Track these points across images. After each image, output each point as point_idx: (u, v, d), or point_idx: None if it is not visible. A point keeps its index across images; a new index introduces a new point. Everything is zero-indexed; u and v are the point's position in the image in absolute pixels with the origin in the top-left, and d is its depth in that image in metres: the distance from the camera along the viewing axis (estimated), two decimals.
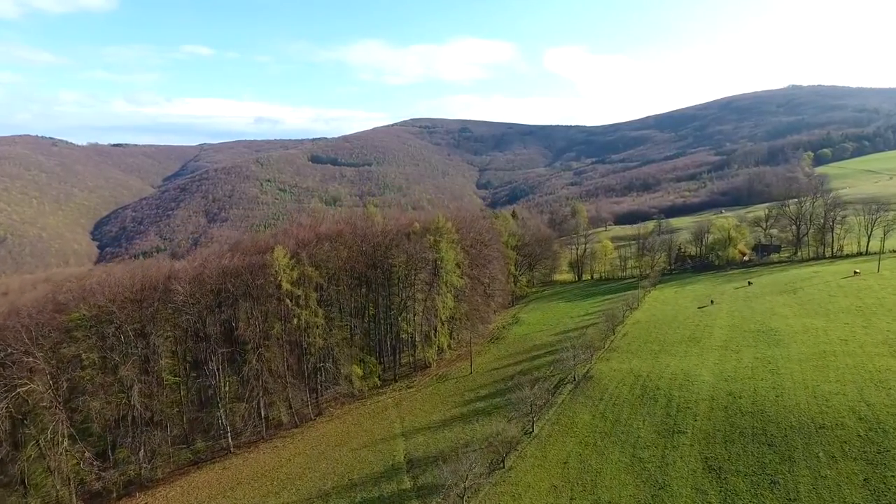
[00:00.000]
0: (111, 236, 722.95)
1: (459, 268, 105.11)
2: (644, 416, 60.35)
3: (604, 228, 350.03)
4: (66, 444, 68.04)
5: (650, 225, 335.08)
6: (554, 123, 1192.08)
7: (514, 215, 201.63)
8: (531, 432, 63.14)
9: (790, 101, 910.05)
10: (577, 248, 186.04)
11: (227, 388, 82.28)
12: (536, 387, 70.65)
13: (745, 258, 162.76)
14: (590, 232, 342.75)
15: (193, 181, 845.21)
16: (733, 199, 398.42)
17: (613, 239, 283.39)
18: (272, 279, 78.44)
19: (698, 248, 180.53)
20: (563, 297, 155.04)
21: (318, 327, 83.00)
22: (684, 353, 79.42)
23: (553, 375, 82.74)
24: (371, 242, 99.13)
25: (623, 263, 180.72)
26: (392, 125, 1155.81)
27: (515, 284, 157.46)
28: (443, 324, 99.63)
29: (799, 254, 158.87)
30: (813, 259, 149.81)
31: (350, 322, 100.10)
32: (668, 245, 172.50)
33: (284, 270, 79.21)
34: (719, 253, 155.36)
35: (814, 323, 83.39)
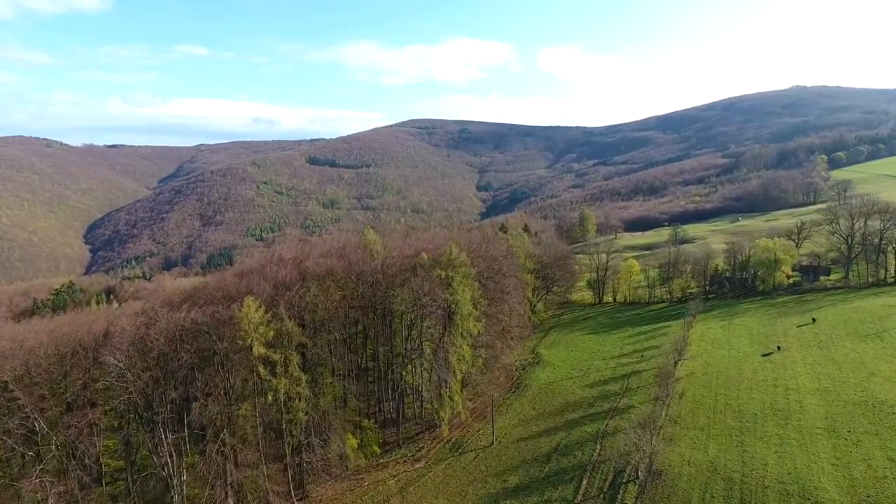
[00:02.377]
0: (104, 240, 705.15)
1: (476, 308, 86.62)
2: None
3: (614, 236, 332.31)
4: None
5: (664, 233, 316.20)
6: (554, 124, 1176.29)
7: (526, 229, 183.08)
8: None
9: (795, 101, 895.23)
10: (598, 269, 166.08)
11: (185, 477, 63.58)
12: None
13: (789, 280, 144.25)
14: (602, 240, 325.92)
15: (189, 183, 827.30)
16: (748, 205, 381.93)
17: (626, 248, 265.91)
18: (240, 341, 59.98)
19: (732, 266, 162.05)
20: (586, 327, 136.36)
21: (301, 399, 64.44)
22: (778, 438, 60.98)
23: (604, 462, 64.26)
24: (369, 281, 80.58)
25: (650, 284, 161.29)
26: (391, 126, 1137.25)
27: (533, 311, 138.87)
28: (457, 380, 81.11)
29: (851, 277, 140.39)
30: (873, 285, 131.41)
31: (343, 379, 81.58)
32: (703, 265, 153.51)
33: (257, 329, 60.65)
34: (764, 278, 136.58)
35: None
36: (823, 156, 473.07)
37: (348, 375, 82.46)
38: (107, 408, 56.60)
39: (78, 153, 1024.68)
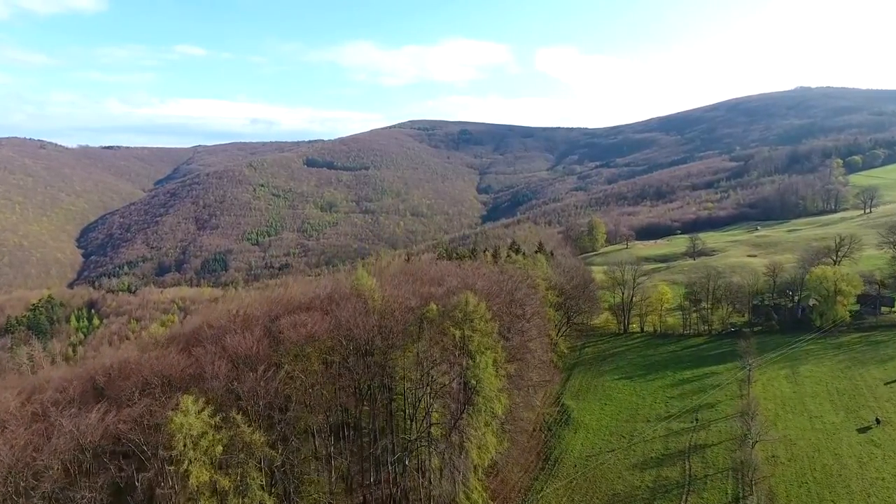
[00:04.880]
0: (97, 244, 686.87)
1: (499, 375, 68.06)
2: None
3: (625, 245, 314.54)
4: None
5: (679, 241, 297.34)
6: (554, 125, 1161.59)
7: (540, 248, 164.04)
8: None
9: (799, 103, 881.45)
10: (623, 286, 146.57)
11: None
12: None
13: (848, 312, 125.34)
14: (613, 249, 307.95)
15: (184, 185, 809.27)
16: (764, 212, 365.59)
17: (641, 260, 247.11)
18: (172, 466, 41.52)
19: (772, 290, 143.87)
20: (616, 368, 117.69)
21: None
22: None
23: None
24: (362, 345, 61.95)
25: (682, 308, 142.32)
26: (389, 127, 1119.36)
27: (554, 351, 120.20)
28: (477, 475, 62.65)
29: None
30: None
31: (329, 467, 62.89)
32: (747, 294, 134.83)
33: (196, 443, 42.11)
34: (823, 311, 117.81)
35: None
36: (839, 159, 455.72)
37: (337, 455, 63.60)
38: None
39: (73, 154, 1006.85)
